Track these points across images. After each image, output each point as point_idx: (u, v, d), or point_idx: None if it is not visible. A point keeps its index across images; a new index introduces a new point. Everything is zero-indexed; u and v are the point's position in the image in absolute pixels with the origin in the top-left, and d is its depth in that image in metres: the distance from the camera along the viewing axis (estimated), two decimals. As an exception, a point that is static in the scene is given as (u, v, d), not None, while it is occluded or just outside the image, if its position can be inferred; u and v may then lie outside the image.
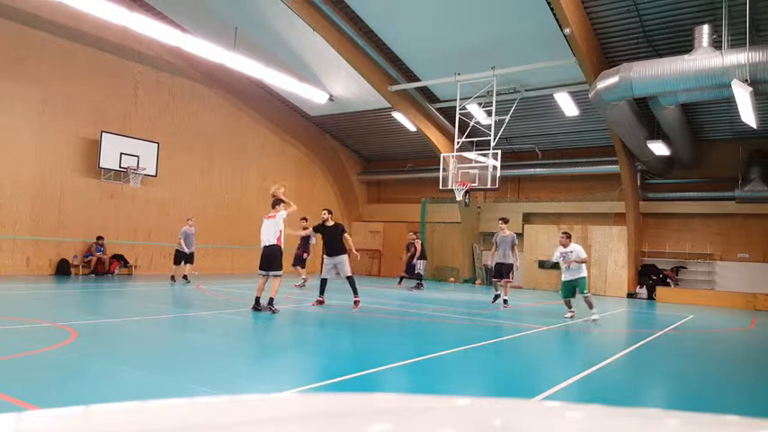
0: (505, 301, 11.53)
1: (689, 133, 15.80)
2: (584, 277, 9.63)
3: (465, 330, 8.79)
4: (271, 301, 9.04)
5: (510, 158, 19.10)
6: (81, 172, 15.21)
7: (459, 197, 15.07)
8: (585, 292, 9.62)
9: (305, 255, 14.64)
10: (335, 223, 10.13)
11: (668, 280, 17.39)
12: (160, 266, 16.97)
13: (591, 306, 9.64)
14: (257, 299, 9.16)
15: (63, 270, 14.59)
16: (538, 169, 19.84)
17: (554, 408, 1.09)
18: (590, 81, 12.81)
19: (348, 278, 10.07)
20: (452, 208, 20.53)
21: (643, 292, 17.31)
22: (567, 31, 11.73)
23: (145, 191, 16.45)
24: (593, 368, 5.87)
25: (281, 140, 21.26)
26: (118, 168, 15.48)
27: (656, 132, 15.17)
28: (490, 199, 21.35)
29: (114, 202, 15.93)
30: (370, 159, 24.82)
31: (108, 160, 15.25)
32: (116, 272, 15.57)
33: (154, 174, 16.31)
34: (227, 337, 6.97)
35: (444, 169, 15.23)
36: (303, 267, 14.68)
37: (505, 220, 11.89)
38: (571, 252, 9.56)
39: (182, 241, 14.48)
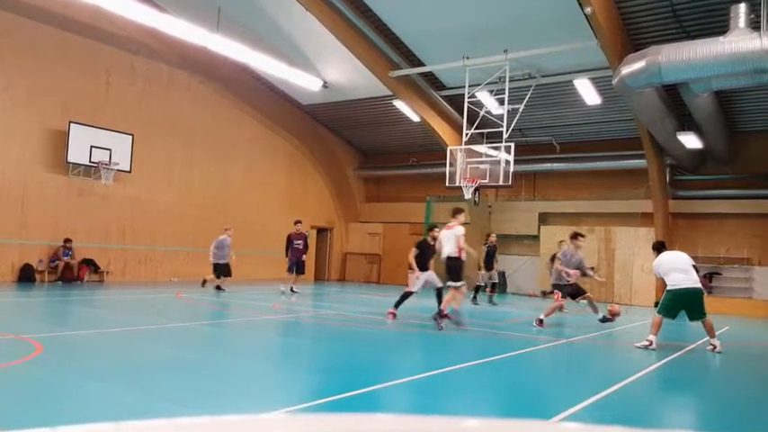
0: (606, 318, 10.94)
1: (724, 124, 15.79)
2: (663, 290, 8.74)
3: (475, 344, 8.79)
4: (439, 312, 9.62)
5: (524, 152, 19.07)
6: (47, 167, 15.20)
7: (467, 195, 15.06)
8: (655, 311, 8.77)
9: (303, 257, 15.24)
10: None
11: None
12: (134, 273, 16.97)
13: (707, 332, 8.62)
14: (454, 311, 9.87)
15: (26, 276, 14.58)
16: (555, 164, 19.84)
17: (572, 430, 1.09)
18: (613, 66, 12.81)
19: (439, 289, 10.68)
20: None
21: (673, 300, 17.28)
22: (588, 10, 11.72)
23: (118, 188, 16.44)
24: (616, 386, 5.87)
25: (270, 132, 21.26)
26: (88, 163, 15.47)
27: (688, 123, 15.15)
28: (502, 197, 21.35)
29: (84, 201, 15.93)
30: (368, 153, 24.82)
31: (77, 154, 15.24)
32: (85, 278, 15.56)
33: (128, 169, 16.31)
34: (210, 350, 6.97)
35: (451, 164, 15.22)
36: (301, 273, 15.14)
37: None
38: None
39: (212, 250, 14.35)
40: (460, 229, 9.94)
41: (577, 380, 6.68)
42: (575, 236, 11.10)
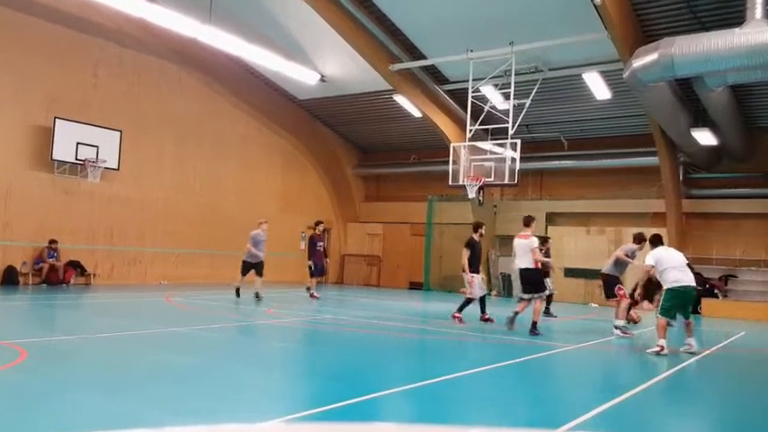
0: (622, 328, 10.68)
1: (740, 120, 15.78)
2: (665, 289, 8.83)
3: (481, 350, 8.80)
4: (534, 325, 9.87)
5: (531, 149, 19.08)
6: (31, 165, 15.19)
7: (471, 194, 15.06)
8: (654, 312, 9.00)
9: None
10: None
11: (715, 291, 17.38)
12: (122, 275, 16.97)
13: (687, 330, 8.78)
14: (516, 314, 10.17)
15: (10, 279, 14.57)
16: (563, 162, 19.84)
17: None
18: (624, 59, 12.81)
19: (483, 297, 11.35)
20: (464, 207, 20.53)
21: (686, 304, 17.29)
22: (597, 0, 11.73)
23: (105, 187, 16.44)
24: (628, 394, 5.86)
25: (265, 128, 21.26)
26: (74, 161, 15.46)
27: (702, 119, 15.15)
28: (508, 196, 21.35)
29: (70, 200, 15.92)
30: (367, 150, 24.82)
31: (62, 151, 15.24)
32: (72, 281, 15.54)
33: (116, 167, 16.30)
34: (204, 356, 6.97)
35: (454, 162, 15.22)
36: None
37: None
38: None
39: (250, 247, 13.52)
40: (535, 241, 10.14)
41: (588, 387, 6.68)
42: (644, 240, 11.03)
